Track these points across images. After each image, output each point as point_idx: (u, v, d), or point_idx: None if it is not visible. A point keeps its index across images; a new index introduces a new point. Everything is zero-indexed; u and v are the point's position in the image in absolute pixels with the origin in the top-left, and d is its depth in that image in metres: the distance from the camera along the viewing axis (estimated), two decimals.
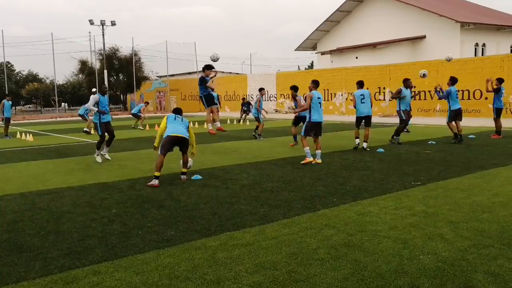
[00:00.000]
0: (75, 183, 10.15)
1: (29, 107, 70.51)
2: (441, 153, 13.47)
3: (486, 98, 18.83)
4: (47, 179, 10.82)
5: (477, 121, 23.55)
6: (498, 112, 17.81)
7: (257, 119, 19.50)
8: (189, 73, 61.17)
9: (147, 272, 4.95)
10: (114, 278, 4.82)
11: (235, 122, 30.58)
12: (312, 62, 75.69)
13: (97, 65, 53.22)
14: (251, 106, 29.79)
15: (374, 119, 17.59)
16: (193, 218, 7.04)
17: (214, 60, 13.62)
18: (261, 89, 20.66)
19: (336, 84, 36.38)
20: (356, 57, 44.11)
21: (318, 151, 12.29)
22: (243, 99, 36.94)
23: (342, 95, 36.13)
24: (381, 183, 9.42)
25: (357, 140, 14.77)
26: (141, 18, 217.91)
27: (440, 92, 16.96)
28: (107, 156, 13.60)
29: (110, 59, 52.71)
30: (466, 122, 15.80)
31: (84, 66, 54.72)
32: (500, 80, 17.93)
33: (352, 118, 21.71)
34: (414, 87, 20.57)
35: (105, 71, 48.89)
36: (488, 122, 17.93)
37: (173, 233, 6.31)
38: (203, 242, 5.88)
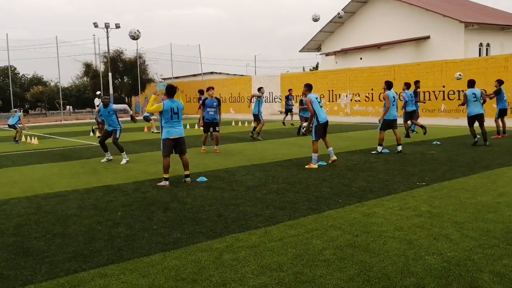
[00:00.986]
0: (81, 186, 10.18)
1: (34, 110, 70.66)
2: (445, 154, 13.45)
3: (490, 98, 18.77)
4: (52, 182, 10.86)
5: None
6: (501, 113, 17.78)
7: (257, 117, 19.48)
8: (194, 75, 61.30)
9: (153, 274, 4.97)
10: (120, 280, 4.84)
11: (239, 124, 30.52)
12: (317, 63, 75.64)
13: (101, 67, 53.33)
14: (291, 103, 27.53)
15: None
16: (199, 220, 7.06)
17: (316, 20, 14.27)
18: (260, 88, 20.52)
19: (341, 85, 36.32)
20: (361, 58, 44.05)
21: (330, 149, 12.14)
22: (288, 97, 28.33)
23: (346, 96, 36.08)
24: (386, 183, 9.42)
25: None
26: (144, 20, 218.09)
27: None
28: (108, 157, 14.18)
29: (115, 61, 52.75)
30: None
31: (88, 69, 54.80)
32: (500, 82, 17.91)
33: (356, 119, 21.71)
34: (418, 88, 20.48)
35: (110, 74, 48.96)
36: (493, 122, 17.86)
37: (179, 235, 6.33)
38: (209, 244, 5.89)
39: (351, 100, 35.27)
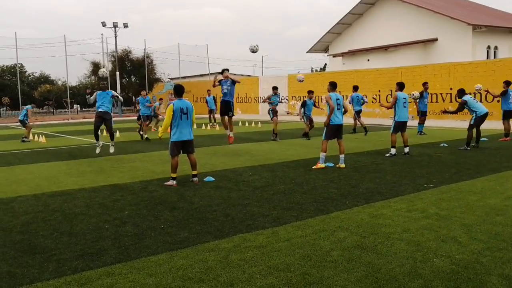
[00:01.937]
0: (88, 185, 10.20)
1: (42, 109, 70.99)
2: (453, 156, 13.40)
3: (498, 101, 18.75)
4: (59, 180, 10.88)
5: (489, 123, 23.39)
6: (506, 115, 17.74)
7: (276, 114, 19.79)
8: (201, 75, 61.32)
9: (160, 274, 4.97)
10: (127, 279, 4.84)
11: (246, 124, 30.52)
12: (325, 64, 75.60)
13: (109, 67, 53.45)
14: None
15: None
16: (206, 220, 7.06)
17: (253, 51, 14.44)
18: (274, 88, 20.55)
19: (348, 86, 36.16)
20: (368, 60, 43.95)
21: (342, 156, 11.96)
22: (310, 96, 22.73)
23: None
24: (393, 185, 9.39)
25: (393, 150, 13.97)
26: (151, 20, 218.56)
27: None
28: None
29: (123, 61, 52.90)
30: None
31: (96, 68, 54.92)
32: (508, 83, 17.84)
33: (363, 121, 21.65)
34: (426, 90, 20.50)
35: (117, 73, 49.07)
36: (500, 125, 17.81)
37: (186, 235, 6.33)
38: (216, 244, 5.89)
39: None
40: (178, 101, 10.03)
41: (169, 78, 60.79)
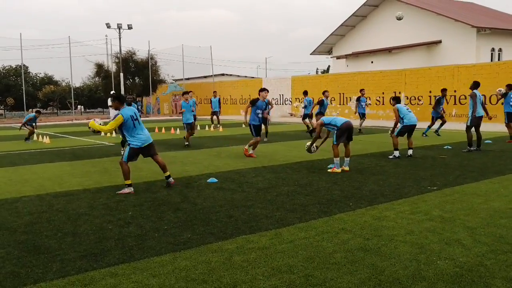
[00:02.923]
0: (92, 185, 10.21)
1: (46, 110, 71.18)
2: (457, 158, 13.38)
3: (502, 104, 18.78)
4: (63, 181, 10.90)
5: (493, 126, 23.35)
6: (509, 117, 17.74)
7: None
8: (205, 77, 61.42)
9: (163, 274, 4.97)
10: (131, 280, 4.84)
11: None
12: (328, 66, 75.56)
13: (113, 68, 53.52)
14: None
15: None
16: (209, 221, 7.06)
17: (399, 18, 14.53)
18: (305, 92, 22.03)
19: (352, 88, 36.23)
20: (372, 62, 43.97)
21: (347, 159, 11.81)
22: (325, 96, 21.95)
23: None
24: (397, 187, 9.38)
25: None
26: (156, 21, 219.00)
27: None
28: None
29: (127, 62, 52.92)
30: (482, 127, 15.60)
31: (100, 69, 55.01)
32: (510, 86, 17.91)
33: (366, 123, 21.63)
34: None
35: (121, 74, 49.12)
36: (505, 127, 17.79)
37: (190, 236, 6.33)
38: (220, 245, 5.89)
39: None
40: (127, 109, 9.44)
41: (173, 80, 60.85)
